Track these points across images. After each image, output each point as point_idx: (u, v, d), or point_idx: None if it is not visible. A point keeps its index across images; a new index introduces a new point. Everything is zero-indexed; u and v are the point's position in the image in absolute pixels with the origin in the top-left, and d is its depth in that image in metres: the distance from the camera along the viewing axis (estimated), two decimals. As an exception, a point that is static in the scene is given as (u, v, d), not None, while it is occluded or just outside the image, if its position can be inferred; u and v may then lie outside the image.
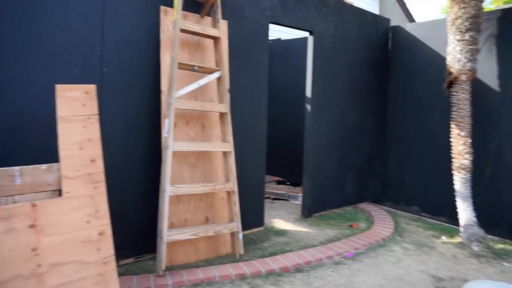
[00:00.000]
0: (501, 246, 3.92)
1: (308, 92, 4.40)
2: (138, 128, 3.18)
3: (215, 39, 3.42)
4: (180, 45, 3.31)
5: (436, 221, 4.71)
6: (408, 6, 10.54)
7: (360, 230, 4.20)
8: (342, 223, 4.41)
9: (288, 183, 6.26)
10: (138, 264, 3.21)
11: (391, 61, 5.23)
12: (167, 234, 2.98)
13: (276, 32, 6.54)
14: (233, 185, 3.37)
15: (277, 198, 5.57)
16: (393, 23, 5.39)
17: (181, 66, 3.18)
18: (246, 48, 3.78)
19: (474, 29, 3.85)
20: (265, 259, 3.31)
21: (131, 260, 3.24)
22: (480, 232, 3.80)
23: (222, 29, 3.44)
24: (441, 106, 4.53)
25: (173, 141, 3.09)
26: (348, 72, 4.77)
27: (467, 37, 3.86)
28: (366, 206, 5.13)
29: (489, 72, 4.23)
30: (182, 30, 3.18)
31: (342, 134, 4.82)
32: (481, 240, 3.75)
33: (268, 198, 5.56)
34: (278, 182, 6.39)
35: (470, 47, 3.87)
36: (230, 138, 3.40)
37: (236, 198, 3.38)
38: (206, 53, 3.51)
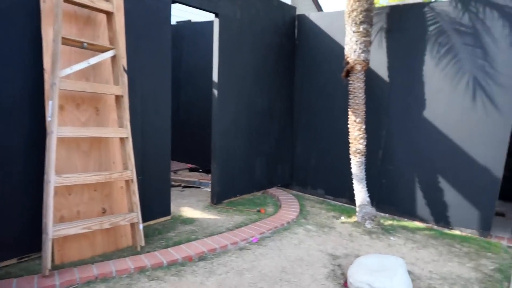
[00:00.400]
0: (390, 222, 4.37)
1: (215, 77, 4.31)
2: (18, 112, 2.76)
3: (108, 14, 3.11)
4: (66, 18, 2.94)
5: (338, 203, 5.06)
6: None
7: (267, 214, 4.31)
8: (251, 209, 4.47)
9: (200, 170, 6.16)
10: (21, 265, 2.83)
11: (297, 49, 5.41)
12: (53, 229, 2.66)
13: (187, 13, 6.29)
14: (131, 174, 3.15)
15: (188, 186, 5.43)
16: (304, 12, 5.57)
17: (67, 41, 2.83)
18: (147, 27, 3.52)
19: (367, 22, 4.15)
20: (168, 249, 3.18)
21: (13, 261, 2.85)
22: (373, 211, 4.18)
23: (116, 4, 3.14)
24: (343, 93, 4.83)
25: (58, 126, 2.75)
26: (255, 58, 4.80)
27: (361, 29, 4.15)
28: (275, 191, 5.29)
29: (380, 64, 4.62)
30: (66, 1, 2.82)
31: (251, 119, 4.86)
32: (373, 218, 4.13)
33: (179, 186, 5.40)
34: (191, 170, 6.24)
35: (364, 38, 4.17)
36: (127, 123, 3.15)
37: (135, 187, 3.17)
38: (99, 29, 3.18)
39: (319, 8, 10.38)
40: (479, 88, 4.02)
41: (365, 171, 4.42)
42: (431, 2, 4.26)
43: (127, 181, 3.21)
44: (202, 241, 3.38)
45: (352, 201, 4.84)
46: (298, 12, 5.47)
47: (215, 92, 4.33)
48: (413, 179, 4.48)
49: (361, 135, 4.26)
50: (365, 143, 4.28)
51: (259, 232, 3.65)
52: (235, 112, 4.62)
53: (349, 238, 3.79)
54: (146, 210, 3.54)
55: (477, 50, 3.99)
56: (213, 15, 4.25)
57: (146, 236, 3.38)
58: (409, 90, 4.44)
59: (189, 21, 6.48)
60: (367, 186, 4.42)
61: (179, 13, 6.38)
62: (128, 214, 3.13)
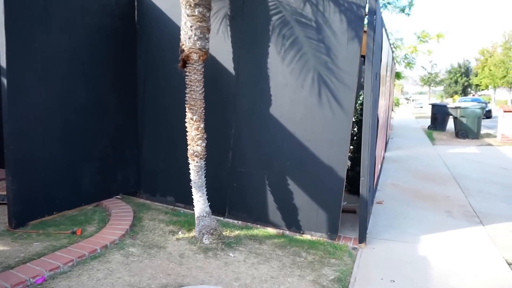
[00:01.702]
0: (238, 232, 3.90)
1: (2, 60, 3.23)
2: None
3: None
4: None
5: (189, 211, 4.43)
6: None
7: (84, 237, 3.43)
8: (65, 230, 3.53)
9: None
10: None
11: (138, 34, 4.60)
12: None
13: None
14: None
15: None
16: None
17: None
18: None
19: (203, 5, 3.57)
20: None
21: None
22: (212, 223, 3.65)
23: None
24: (187, 88, 4.21)
25: None
26: (73, 41, 3.84)
27: (196, 12, 3.55)
28: (112, 202, 4.41)
29: (226, 55, 4.12)
30: None
31: (70, 117, 3.89)
32: (212, 231, 3.59)
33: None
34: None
35: (200, 24, 3.58)
36: None
37: None
38: None
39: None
40: (323, 85, 3.79)
41: (214, 174, 3.89)
42: (273, -11, 3.89)
43: None
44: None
45: (200, 209, 4.27)
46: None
47: (4, 80, 3.25)
48: (264, 181, 4.11)
49: (199, 135, 3.68)
50: (204, 144, 3.72)
51: (52, 267, 2.77)
52: (43, 107, 3.60)
53: (178, 261, 3.17)
54: None
55: (320, 44, 3.75)
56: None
57: None
58: (256, 84, 4.04)
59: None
60: (218, 191, 3.90)
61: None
62: None
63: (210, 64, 4.11)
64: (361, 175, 3.73)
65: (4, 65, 3.21)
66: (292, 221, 4.02)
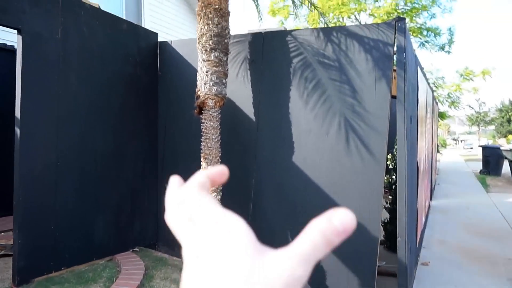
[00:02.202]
0: None
1: (17, 112, 3.22)
2: None
3: None
4: None
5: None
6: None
7: (85, 298, 3.16)
8: (69, 289, 3.29)
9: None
10: None
11: (160, 81, 4.56)
12: None
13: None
14: None
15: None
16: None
17: None
18: None
19: (219, 50, 3.44)
20: None
21: None
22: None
23: None
24: (206, 134, 4.01)
25: None
26: (92, 89, 3.83)
27: (212, 57, 3.42)
28: (126, 256, 4.14)
29: (246, 99, 3.92)
30: None
31: (85, 165, 3.79)
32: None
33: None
34: None
35: (216, 68, 3.43)
36: None
37: None
38: None
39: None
40: (350, 130, 3.43)
41: None
42: (293, 31, 3.71)
43: None
44: None
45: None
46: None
47: (17, 128, 3.22)
48: (287, 238, 3.67)
49: (214, 188, 3.39)
50: (218, 197, 3.41)
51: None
52: (58, 155, 3.53)
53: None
54: None
55: (345, 86, 3.44)
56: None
57: None
58: (277, 130, 3.75)
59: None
60: None
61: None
62: None
63: (229, 110, 3.92)
64: (398, 235, 3.21)
65: (18, 112, 3.20)
66: (319, 287, 3.49)
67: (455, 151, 34.90)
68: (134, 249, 4.43)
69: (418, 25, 13.50)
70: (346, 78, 3.42)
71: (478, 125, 35.69)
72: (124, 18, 6.30)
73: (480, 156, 15.37)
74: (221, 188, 3.44)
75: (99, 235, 3.95)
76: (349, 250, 3.32)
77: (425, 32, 13.79)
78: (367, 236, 3.27)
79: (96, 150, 3.89)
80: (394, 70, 3.38)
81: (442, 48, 13.71)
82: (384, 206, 5.22)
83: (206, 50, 3.42)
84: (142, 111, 4.38)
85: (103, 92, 3.92)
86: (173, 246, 4.45)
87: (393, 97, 3.47)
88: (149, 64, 4.44)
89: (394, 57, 3.29)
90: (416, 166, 4.31)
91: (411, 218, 3.61)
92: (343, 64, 3.43)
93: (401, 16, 9.42)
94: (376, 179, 3.30)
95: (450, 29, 13.96)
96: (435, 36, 13.78)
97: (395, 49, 3.25)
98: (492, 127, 42.61)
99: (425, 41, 13.78)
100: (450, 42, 13.70)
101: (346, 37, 3.39)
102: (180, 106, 4.46)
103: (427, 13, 13.81)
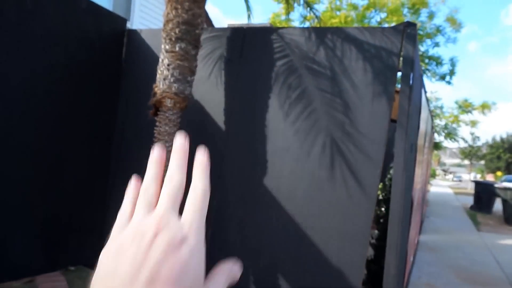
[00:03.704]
0: None
1: None
2: None
3: None
4: None
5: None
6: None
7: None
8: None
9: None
10: None
11: (124, 73, 3.89)
12: None
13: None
14: None
15: None
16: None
17: None
18: None
19: (187, 40, 2.80)
20: None
21: None
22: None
23: None
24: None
25: None
26: (30, 74, 3.14)
27: (177, 48, 2.77)
28: (51, 278, 3.38)
29: (217, 104, 3.27)
30: None
31: (5, 167, 3.06)
32: None
33: None
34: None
35: (180, 62, 2.78)
36: None
37: None
38: None
39: (209, 23, 9.10)
40: (337, 154, 2.80)
41: None
42: (279, 28, 3.09)
43: None
44: None
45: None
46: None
47: None
48: (248, 277, 2.99)
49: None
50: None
51: None
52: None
53: None
54: None
55: (336, 99, 2.82)
56: None
57: None
58: (249, 145, 3.10)
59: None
60: None
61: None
62: None
63: (196, 115, 3.28)
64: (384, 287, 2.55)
65: None
66: None
67: (444, 182, 34.63)
68: (69, 268, 3.69)
69: (420, 52, 13.14)
70: (338, 90, 2.79)
71: (470, 159, 35.54)
72: (111, 10, 5.69)
73: (470, 190, 14.88)
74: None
75: (16, 251, 3.20)
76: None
77: (426, 60, 13.45)
78: (347, 282, 2.61)
79: (18, 150, 3.16)
80: (397, 92, 2.78)
81: (443, 77, 13.34)
82: (370, 242, 4.59)
83: (170, 39, 2.78)
84: (96, 107, 3.69)
85: (44, 79, 3.23)
86: (116, 270, 3.72)
87: (392, 120, 2.86)
88: (112, 52, 3.78)
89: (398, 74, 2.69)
90: (411, 201, 3.69)
91: (401, 268, 2.96)
92: (336, 73, 2.81)
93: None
94: (363, 217, 2.65)
95: (452, 59, 13.64)
96: (436, 65, 13.43)
97: (401, 60, 2.66)
98: (482, 162, 42.66)
99: (427, 69, 13.41)
100: (452, 72, 13.35)
101: (342, 41, 2.78)
102: (144, 105, 3.78)
103: (430, 41, 13.49)
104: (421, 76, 3.64)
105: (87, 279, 3.08)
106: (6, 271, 3.14)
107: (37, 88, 3.19)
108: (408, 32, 2.54)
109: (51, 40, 3.23)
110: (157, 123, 2.81)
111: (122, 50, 3.89)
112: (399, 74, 2.70)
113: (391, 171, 3.78)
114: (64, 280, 3.34)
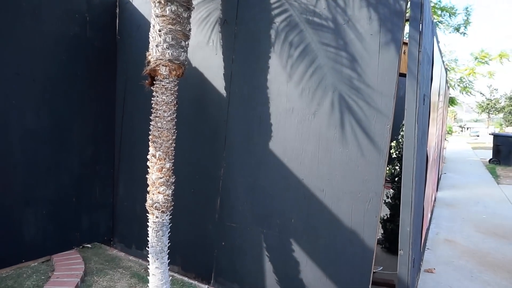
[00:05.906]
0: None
1: None
2: None
3: None
4: None
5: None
6: None
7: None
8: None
9: None
10: None
11: (119, 47, 3.76)
12: None
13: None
14: None
15: None
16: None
17: None
18: None
19: (177, 2, 2.63)
20: None
21: None
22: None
23: None
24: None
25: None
26: (21, 53, 3.05)
27: (167, 11, 2.61)
28: (66, 257, 3.42)
29: (216, 70, 3.13)
30: None
31: (10, 148, 3.04)
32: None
33: None
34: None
35: (172, 27, 2.63)
36: None
37: None
38: None
39: None
40: (346, 111, 2.65)
41: (198, 228, 2.87)
42: (275, -20, 2.87)
43: None
44: None
45: (185, 270, 3.23)
46: None
47: None
48: (260, 242, 2.96)
49: (163, 179, 2.63)
50: (169, 191, 2.67)
51: None
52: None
53: None
54: None
55: (341, 53, 2.64)
56: None
57: None
58: (252, 109, 2.98)
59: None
60: (201, 251, 2.88)
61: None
62: None
63: (196, 83, 3.16)
64: (399, 247, 2.47)
65: None
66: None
67: (461, 138, 33.96)
68: (85, 245, 3.75)
69: (432, 4, 12.42)
70: (343, 42, 2.61)
71: (488, 113, 34.44)
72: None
73: (489, 144, 14.51)
74: (173, 181, 2.70)
75: (30, 233, 3.24)
76: (337, 260, 2.61)
77: (439, 12, 12.72)
78: (360, 246, 2.55)
79: (27, 128, 3.13)
80: (405, 44, 2.58)
81: (457, 29, 12.65)
82: (384, 201, 4.50)
83: (160, 2, 2.61)
84: (94, 84, 3.60)
85: (36, 58, 3.13)
86: (130, 243, 3.76)
87: (401, 74, 2.68)
88: (104, 25, 3.63)
89: (407, 16, 2.47)
90: (426, 157, 3.55)
91: (417, 225, 2.87)
92: (339, 25, 2.62)
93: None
94: (375, 176, 2.54)
95: (466, 8, 12.85)
96: (450, 16, 12.71)
97: (409, 4, 2.44)
98: (501, 115, 41.42)
99: (439, 21, 12.72)
100: (466, 23, 12.62)
101: (343, -13, 2.56)
102: (143, 78, 3.67)
103: (442, -11, 12.69)
104: (433, 23, 3.39)
105: (102, 255, 3.11)
106: (23, 252, 3.20)
107: (28, 68, 3.10)
108: (415, -30, 2.30)
109: (40, 18, 3.10)
110: (154, 93, 2.70)
111: (115, 22, 3.73)
112: (407, 25, 2.49)
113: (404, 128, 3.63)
114: (80, 257, 3.39)
